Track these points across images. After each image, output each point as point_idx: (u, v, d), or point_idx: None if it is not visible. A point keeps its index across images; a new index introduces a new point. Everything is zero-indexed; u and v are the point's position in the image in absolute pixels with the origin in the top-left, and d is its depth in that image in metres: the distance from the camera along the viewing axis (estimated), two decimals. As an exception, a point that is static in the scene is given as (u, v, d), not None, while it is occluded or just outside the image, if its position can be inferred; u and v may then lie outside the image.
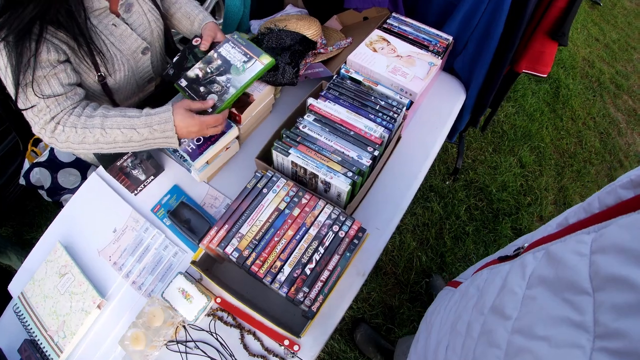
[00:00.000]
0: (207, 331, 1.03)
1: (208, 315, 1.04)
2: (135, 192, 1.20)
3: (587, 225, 0.42)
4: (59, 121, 0.95)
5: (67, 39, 0.93)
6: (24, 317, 1.07)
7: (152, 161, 1.17)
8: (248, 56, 1.09)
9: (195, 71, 1.09)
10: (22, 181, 1.46)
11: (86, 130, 0.95)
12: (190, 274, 1.06)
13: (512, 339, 0.45)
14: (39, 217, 2.00)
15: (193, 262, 0.98)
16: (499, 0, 1.20)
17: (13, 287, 1.14)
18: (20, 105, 0.93)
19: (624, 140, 2.64)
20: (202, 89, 1.07)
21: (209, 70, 1.08)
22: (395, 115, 1.05)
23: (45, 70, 0.92)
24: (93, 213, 1.18)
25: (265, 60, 1.08)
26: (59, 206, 1.54)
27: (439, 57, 1.21)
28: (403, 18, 1.35)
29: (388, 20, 1.34)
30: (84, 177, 1.45)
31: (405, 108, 1.08)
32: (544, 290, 0.43)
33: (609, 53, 3.15)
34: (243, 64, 1.08)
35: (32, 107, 0.93)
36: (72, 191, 1.46)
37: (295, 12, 1.44)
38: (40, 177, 1.45)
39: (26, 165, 1.44)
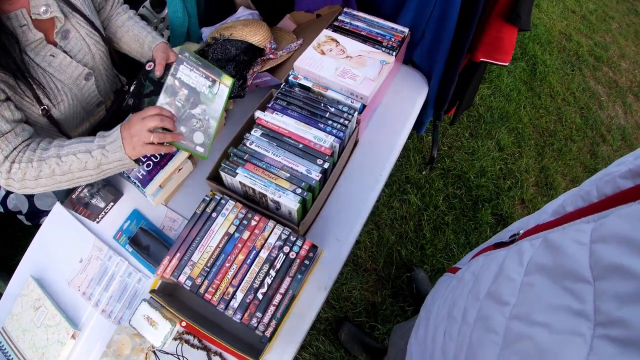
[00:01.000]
0: (175, 355, 1.02)
1: (175, 339, 1.03)
2: (97, 220, 1.18)
3: (585, 214, 0.42)
4: (14, 160, 0.91)
5: (5, 77, 0.90)
6: (7, 352, 1.08)
7: (109, 188, 1.15)
8: (210, 79, 1.02)
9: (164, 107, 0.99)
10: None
11: (42, 163, 0.91)
12: (155, 299, 1.04)
13: (510, 325, 0.45)
14: (22, 241, 1.97)
15: (152, 291, 0.97)
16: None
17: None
18: None
19: (605, 114, 2.60)
20: (183, 129, 0.96)
21: (179, 104, 0.97)
22: (347, 122, 1.02)
23: None
24: (60, 244, 1.17)
25: (228, 81, 1.03)
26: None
27: (393, 54, 1.17)
28: (355, 13, 1.30)
29: (339, 17, 1.29)
30: (60, 198, 1.45)
31: (357, 112, 1.04)
32: (542, 277, 0.43)
33: (586, 24, 3.09)
34: (210, 90, 1.02)
35: None
36: (50, 213, 1.46)
37: (246, 15, 1.39)
38: (17, 202, 1.45)
39: (2, 192, 1.43)
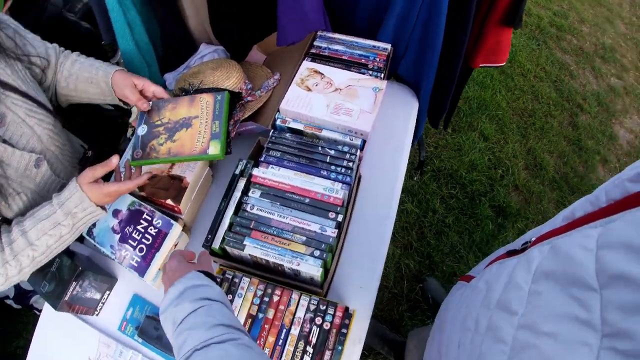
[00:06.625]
0: None
1: None
2: (96, 312, 1.06)
3: (593, 219, 0.41)
4: None
5: None
6: None
7: (101, 277, 1.03)
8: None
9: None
10: None
11: (18, 257, 0.82)
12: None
13: (517, 334, 0.45)
14: (16, 325, 1.83)
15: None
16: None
17: None
18: None
19: (577, 83, 2.61)
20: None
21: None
22: (351, 164, 0.93)
23: None
24: (61, 345, 1.05)
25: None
26: (31, 309, 1.51)
27: (382, 76, 1.08)
28: (331, 35, 1.21)
29: (315, 42, 1.19)
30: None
31: (359, 150, 0.96)
32: (550, 285, 0.43)
33: (541, -5, 3.09)
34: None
35: None
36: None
37: (210, 54, 1.27)
38: (2, 288, 1.37)
39: None
